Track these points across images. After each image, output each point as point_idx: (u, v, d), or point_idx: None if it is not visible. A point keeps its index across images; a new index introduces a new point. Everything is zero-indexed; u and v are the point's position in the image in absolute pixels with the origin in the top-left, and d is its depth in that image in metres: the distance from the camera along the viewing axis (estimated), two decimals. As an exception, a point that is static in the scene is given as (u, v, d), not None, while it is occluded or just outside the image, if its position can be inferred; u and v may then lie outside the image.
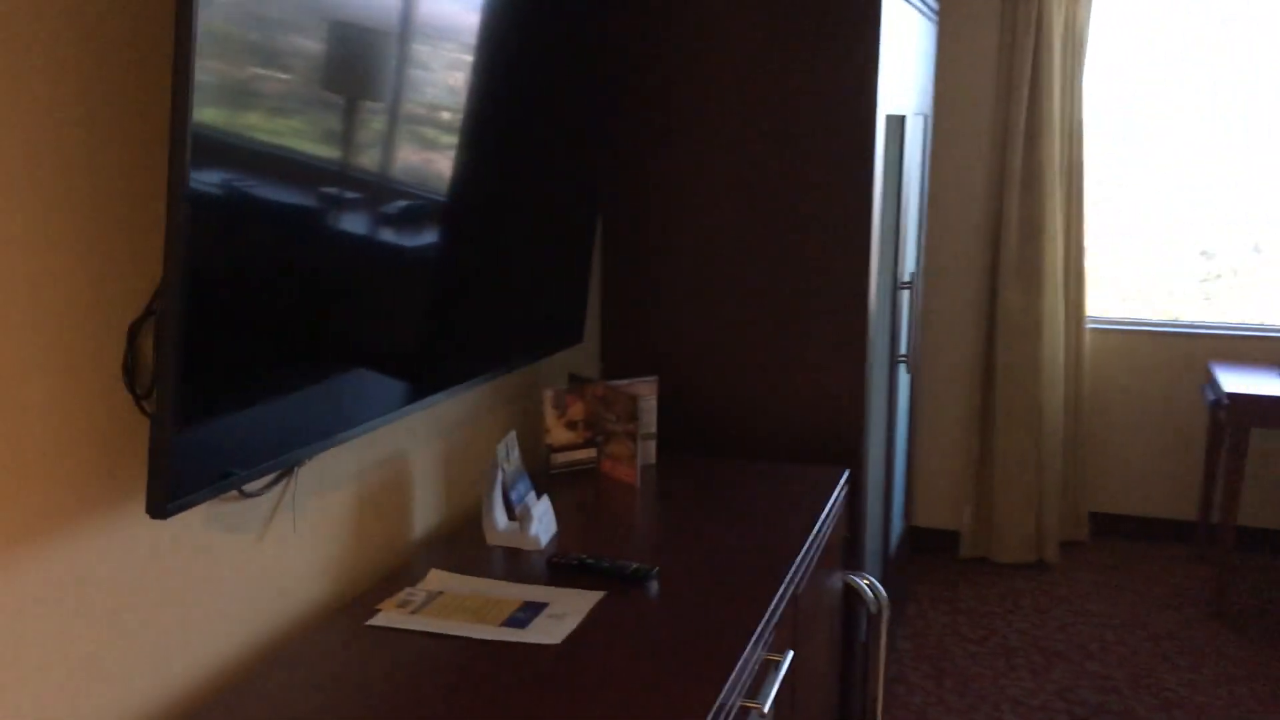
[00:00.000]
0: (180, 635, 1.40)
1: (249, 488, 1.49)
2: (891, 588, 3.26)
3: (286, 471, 1.59)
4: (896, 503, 3.37)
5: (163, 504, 1.22)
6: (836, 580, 2.34)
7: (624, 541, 1.92)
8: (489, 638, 1.55)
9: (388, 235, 1.59)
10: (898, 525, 3.49)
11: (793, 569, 1.81)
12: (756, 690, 1.58)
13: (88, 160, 1.22)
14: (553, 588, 1.72)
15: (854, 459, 2.48)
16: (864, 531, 2.54)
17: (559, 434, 2.26)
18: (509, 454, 1.93)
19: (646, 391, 2.35)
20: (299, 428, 1.44)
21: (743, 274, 2.52)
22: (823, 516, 2.06)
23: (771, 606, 1.66)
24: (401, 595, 1.69)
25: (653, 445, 2.37)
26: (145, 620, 1.35)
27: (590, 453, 2.30)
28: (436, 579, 1.75)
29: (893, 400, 3.10)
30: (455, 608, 1.64)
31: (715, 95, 2.49)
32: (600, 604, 1.66)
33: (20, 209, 1.15)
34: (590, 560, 1.78)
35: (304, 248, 1.40)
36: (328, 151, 1.40)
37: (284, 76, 1.29)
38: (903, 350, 3.09)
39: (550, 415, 2.25)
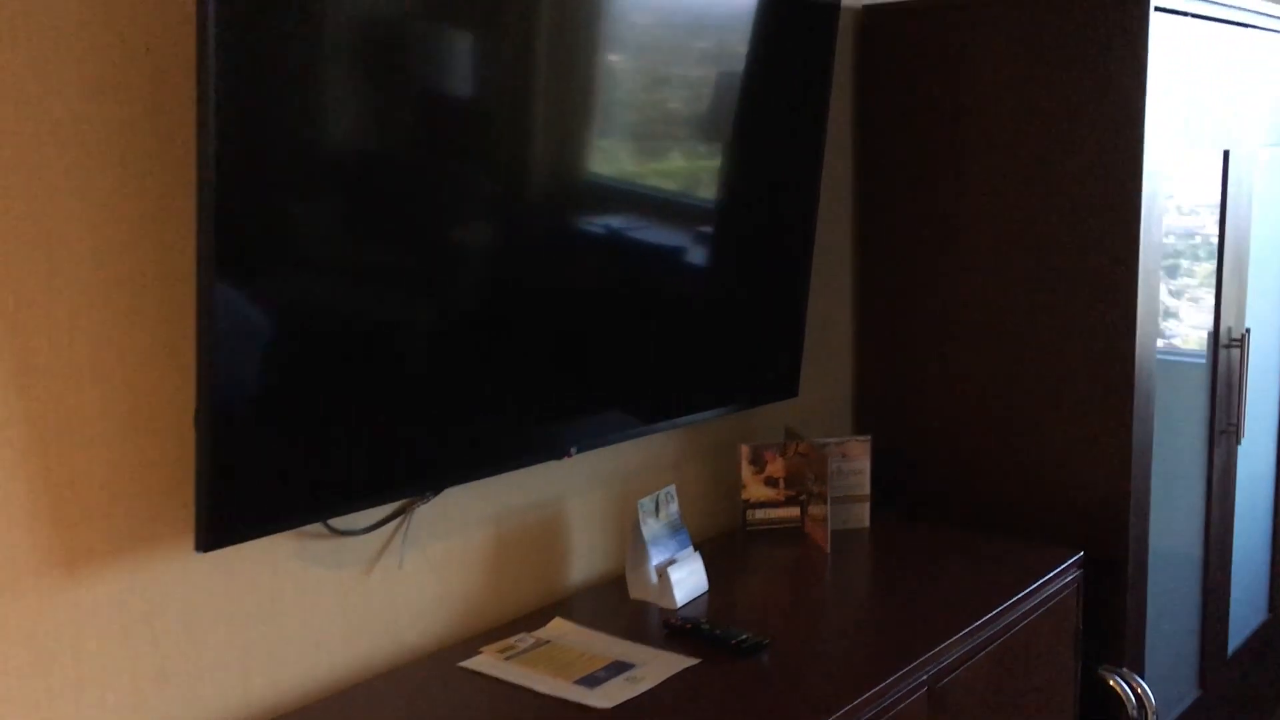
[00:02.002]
0: (260, 661, 1.54)
1: (341, 525, 1.61)
2: (1229, 690, 2.82)
3: (403, 509, 1.69)
4: (1243, 593, 2.92)
5: (205, 540, 1.36)
6: (1066, 675, 2.08)
7: (772, 608, 1.84)
8: (551, 692, 1.55)
9: (548, 266, 1.65)
10: (1251, 619, 3.02)
11: (923, 658, 1.64)
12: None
13: (158, 227, 1.39)
14: (652, 649, 1.68)
15: (1114, 542, 2.20)
16: (1125, 624, 2.24)
17: (756, 491, 2.21)
18: (659, 508, 1.91)
19: (857, 452, 2.23)
20: (377, 475, 1.54)
21: (995, 330, 2.33)
22: (1009, 602, 1.85)
23: (869, 694, 1.52)
24: (510, 640, 1.73)
25: (864, 508, 2.24)
26: (209, 644, 1.50)
27: (792, 512, 2.22)
28: (555, 627, 1.78)
29: (1227, 475, 2.70)
30: (547, 659, 1.66)
31: (973, 138, 2.32)
32: (685, 672, 1.61)
33: (91, 262, 1.33)
34: (705, 625, 1.73)
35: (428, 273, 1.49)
36: (509, 177, 1.49)
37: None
38: (1232, 419, 2.68)
39: (746, 471, 2.20)
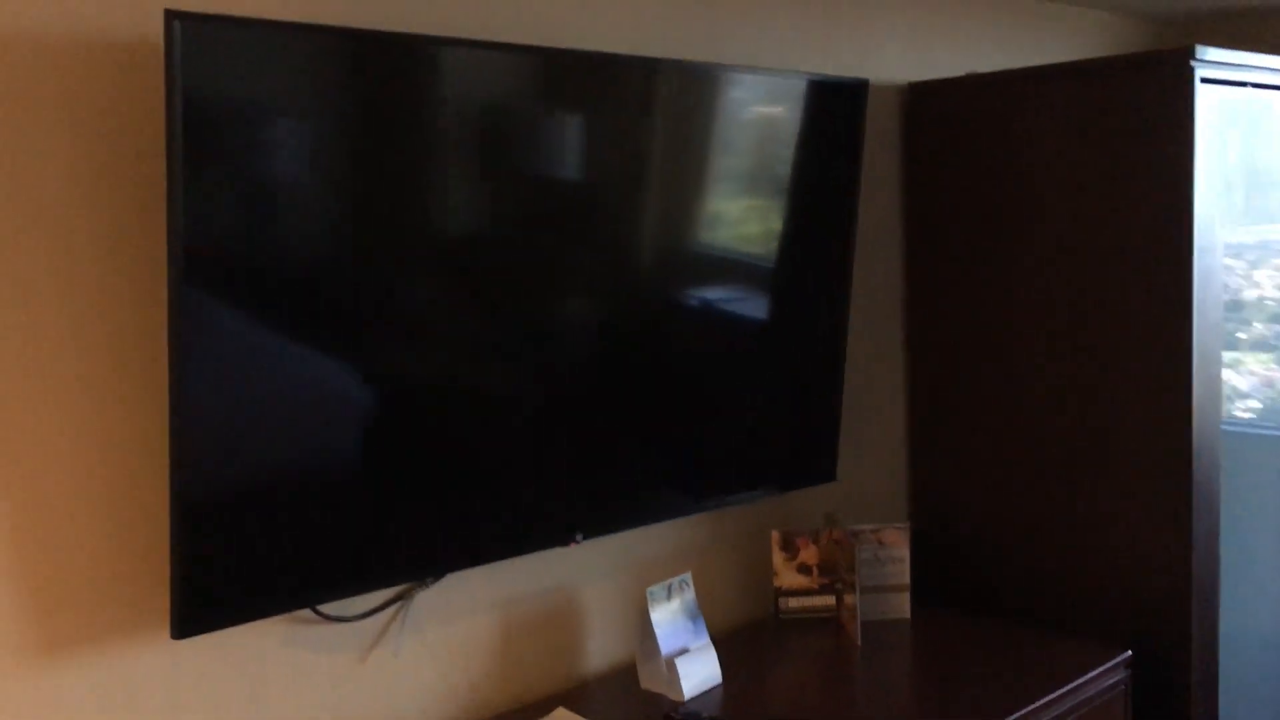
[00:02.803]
0: (256, 740, 1.57)
1: (332, 611, 1.63)
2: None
3: (401, 595, 1.71)
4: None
5: (179, 627, 1.39)
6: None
7: (784, 702, 1.78)
8: (531, 789, 1.53)
9: (569, 351, 1.66)
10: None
11: (925, 765, 1.57)
12: None
13: (140, 321, 1.44)
14: (644, 745, 1.65)
15: (1176, 637, 2.08)
16: (1188, 725, 2.10)
17: (789, 578, 2.15)
18: (670, 596, 1.88)
19: (895, 540, 2.16)
20: (348, 565, 1.56)
21: (1049, 414, 2.24)
22: (1037, 704, 1.75)
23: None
24: (508, 731, 1.72)
25: (903, 598, 2.16)
26: (212, 723, 1.53)
27: (828, 600, 2.15)
28: (556, 717, 1.76)
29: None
30: (538, 751, 1.64)
31: (1020, 213, 2.26)
32: (670, 771, 1.57)
33: (75, 359, 1.40)
34: (702, 718, 1.69)
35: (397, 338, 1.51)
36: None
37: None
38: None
39: (778, 557, 2.15)
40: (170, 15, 1.26)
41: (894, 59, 2.41)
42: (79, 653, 1.42)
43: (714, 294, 1.96)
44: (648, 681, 1.87)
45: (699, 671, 1.86)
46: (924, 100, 2.39)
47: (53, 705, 1.40)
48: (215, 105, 1.33)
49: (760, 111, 1.96)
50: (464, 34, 1.69)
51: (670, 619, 1.87)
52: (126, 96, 1.41)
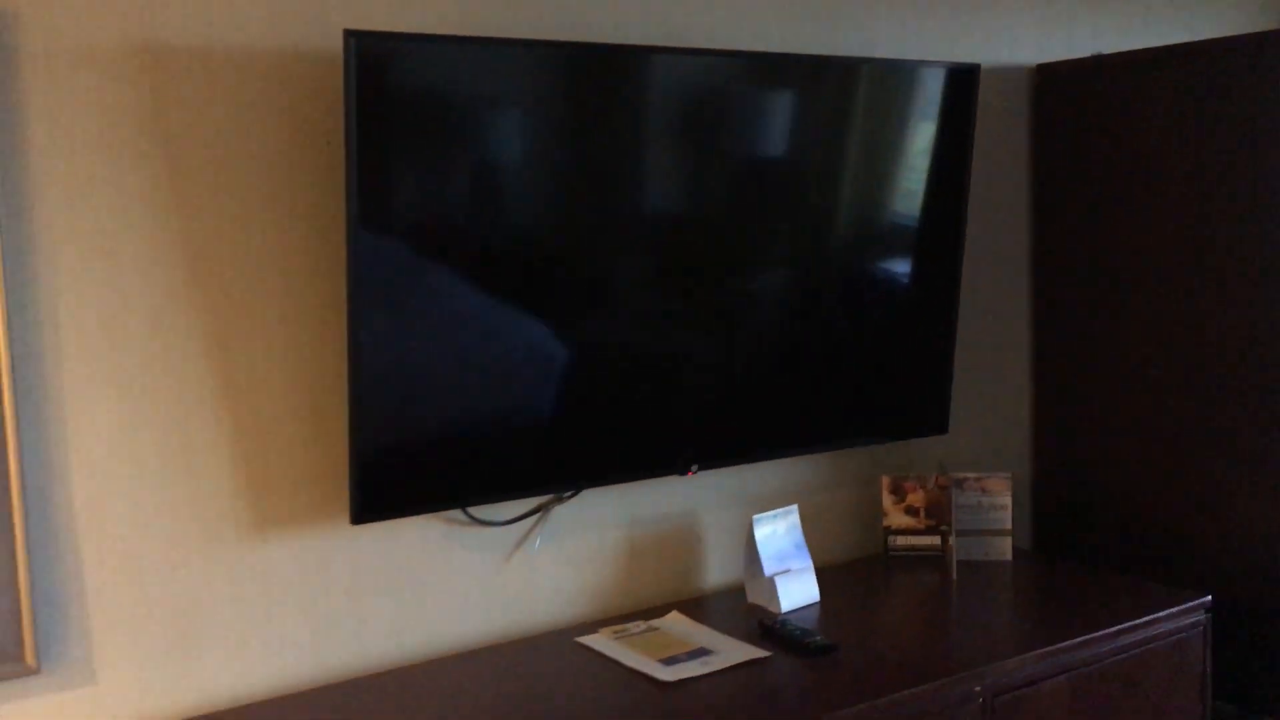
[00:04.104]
0: (411, 622, 1.94)
1: (483, 516, 1.98)
2: None
3: (541, 507, 2.05)
4: None
5: (355, 515, 1.77)
6: (1194, 717, 2.10)
7: (869, 620, 2.03)
8: (634, 666, 1.84)
9: (712, 301, 1.97)
10: None
11: (975, 670, 1.79)
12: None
13: (335, 277, 1.83)
14: (737, 642, 1.93)
15: (1272, 592, 2.21)
16: (1282, 676, 2.22)
17: (897, 519, 2.38)
18: (774, 526, 2.15)
19: (998, 488, 2.35)
20: (511, 477, 1.90)
21: (1162, 379, 2.39)
22: (1096, 634, 1.94)
23: (901, 695, 1.71)
24: (626, 625, 2.04)
25: (1005, 542, 2.35)
26: (370, 601, 1.91)
27: (934, 540, 2.37)
28: (669, 618, 2.06)
29: None
30: (647, 642, 1.95)
31: (1142, 190, 2.41)
32: (752, 661, 1.85)
33: (280, 308, 1.79)
34: (790, 626, 1.96)
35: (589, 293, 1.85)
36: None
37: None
38: None
39: (887, 500, 2.38)
40: (348, 34, 1.63)
41: (1025, 41, 2.58)
42: (282, 532, 1.82)
43: (845, 258, 2.21)
44: (753, 596, 2.15)
45: (798, 590, 2.12)
46: (1051, 80, 2.55)
47: (263, 572, 1.81)
48: (383, 102, 1.68)
49: (888, 96, 2.20)
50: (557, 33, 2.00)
51: (774, 542, 2.15)
52: (323, 92, 1.79)
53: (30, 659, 1.61)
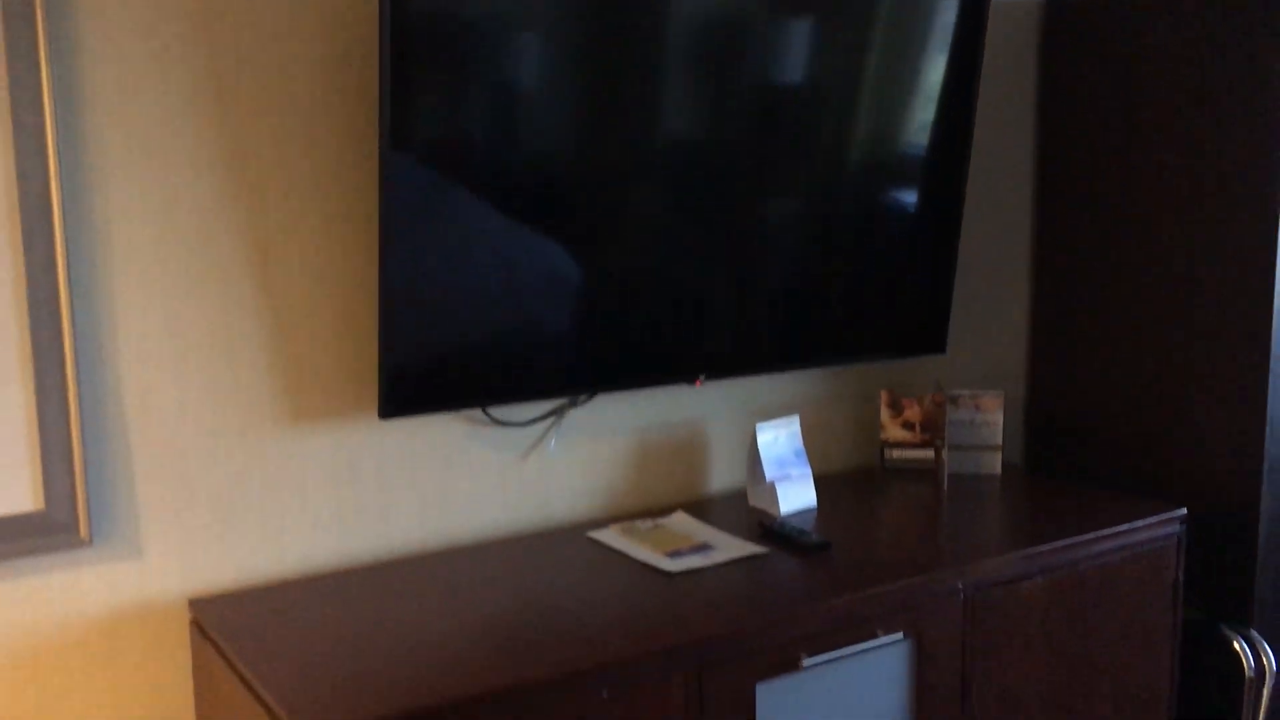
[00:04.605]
0: (433, 512, 2.07)
1: (502, 416, 2.11)
2: None
3: (556, 410, 2.17)
4: None
5: (383, 409, 1.89)
6: (1163, 624, 2.24)
7: (862, 524, 2.16)
8: (641, 559, 1.98)
9: (721, 214, 2.08)
10: None
11: (957, 568, 1.92)
12: (809, 652, 1.80)
13: (368, 187, 1.93)
14: (738, 539, 2.06)
15: (1248, 508, 2.33)
16: (1253, 588, 2.34)
17: (893, 432, 2.50)
18: (777, 431, 2.27)
19: (991, 406, 2.47)
20: (526, 378, 2.02)
21: (1155, 307, 2.49)
22: (1072, 540, 2.06)
23: (888, 588, 1.84)
24: (634, 522, 2.17)
25: (995, 457, 2.48)
26: (394, 492, 2.04)
27: (928, 454, 2.49)
28: (674, 517, 2.20)
29: None
30: (654, 537, 2.08)
31: (1145, 123, 2.49)
32: (751, 556, 1.98)
33: (317, 215, 1.90)
34: (788, 527, 2.09)
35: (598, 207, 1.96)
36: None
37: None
38: None
39: (885, 414, 2.50)
40: (385, -45, 1.72)
41: (1034, -24, 2.66)
42: (315, 425, 1.95)
43: (853, 183, 2.31)
44: (754, 500, 2.28)
45: (796, 495, 2.25)
46: (1060, 12, 2.62)
47: (297, 462, 1.94)
48: (414, 24, 1.77)
49: (900, 25, 2.28)
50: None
51: (775, 449, 2.27)
52: (360, 13, 1.88)
53: (84, 532, 1.74)
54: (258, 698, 1.55)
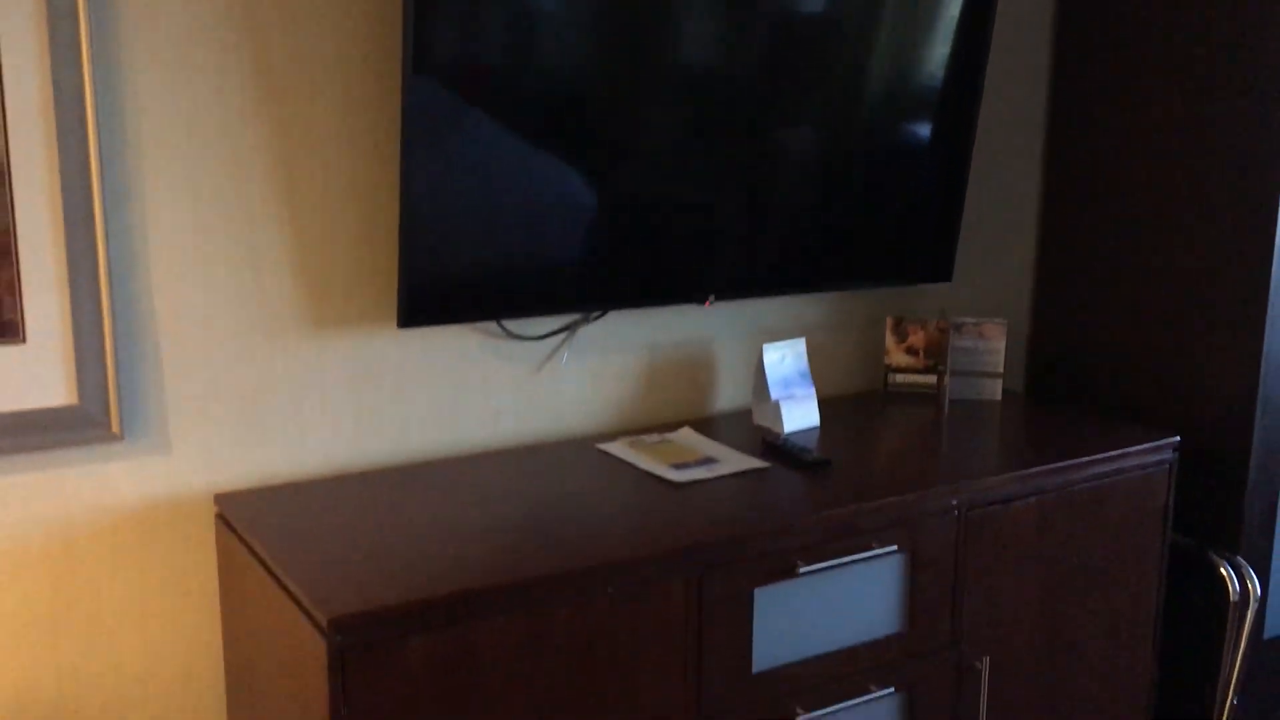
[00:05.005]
0: (449, 421, 2.15)
1: (516, 330, 2.17)
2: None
3: (569, 326, 2.24)
4: None
5: (402, 318, 1.96)
6: (1151, 548, 2.31)
7: (862, 444, 2.23)
8: (647, 469, 2.05)
9: (734, 138, 2.13)
10: None
11: (952, 486, 1.99)
12: (803, 560, 1.88)
13: (389, 117, 1.98)
14: (741, 454, 2.13)
15: (1242, 438, 2.40)
16: (1242, 515, 2.42)
17: (897, 357, 2.56)
18: (783, 352, 2.33)
19: (993, 333, 2.53)
20: (539, 293, 2.08)
21: (1159, 237, 2.54)
22: (1065, 463, 2.13)
23: (883, 502, 1.91)
24: (642, 436, 2.24)
25: (996, 384, 2.54)
26: (412, 399, 2.12)
27: (930, 379, 2.56)
28: (681, 432, 2.27)
29: None
30: (661, 450, 2.16)
31: (1153, 63, 2.52)
32: (753, 470, 2.05)
33: (339, 137, 1.96)
34: (790, 444, 2.16)
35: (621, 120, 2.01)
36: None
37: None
38: None
39: (890, 339, 2.56)
40: None
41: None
42: (336, 332, 2.02)
43: (866, 112, 2.34)
44: (758, 418, 2.35)
45: (800, 415, 2.32)
46: (1078, -53, 2.64)
47: (318, 367, 2.02)
48: (441, -61, 1.81)
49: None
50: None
51: (781, 369, 2.33)
52: (382, -70, 1.92)
53: (115, 427, 1.83)
54: (281, 586, 1.63)
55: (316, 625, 1.51)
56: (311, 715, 1.56)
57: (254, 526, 1.79)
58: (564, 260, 2.10)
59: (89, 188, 1.76)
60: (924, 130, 2.45)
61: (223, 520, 1.89)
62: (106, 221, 1.79)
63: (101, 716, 1.91)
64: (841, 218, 2.40)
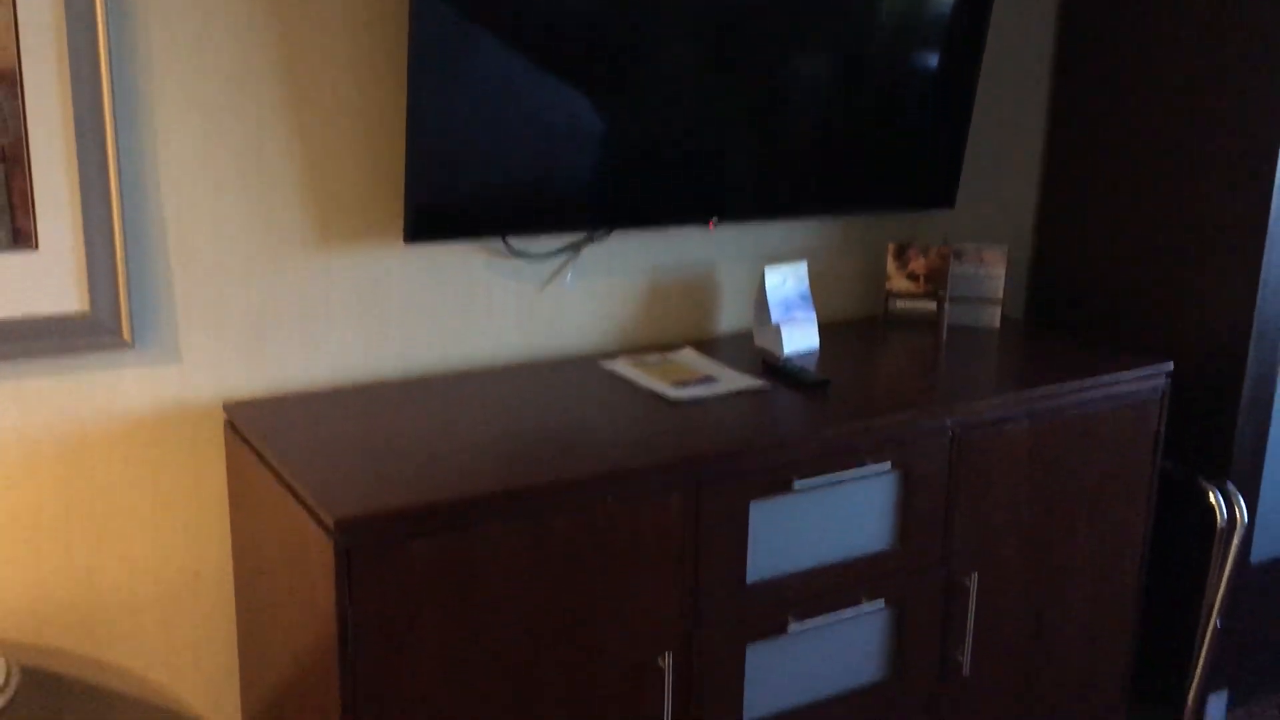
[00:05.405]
0: (455, 336, 2.18)
1: (521, 248, 2.20)
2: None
3: (574, 245, 2.26)
4: None
5: (409, 233, 1.99)
6: (1142, 472, 2.35)
7: (861, 367, 2.26)
8: (647, 387, 2.09)
9: (736, 55, 2.14)
10: None
11: (946, 407, 2.03)
12: (800, 475, 1.92)
13: (397, 36, 1.99)
14: (740, 374, 2.17)
15: (1236, 365, 2.43)
16: (1234, 441, 2.46)
17: (898, 283, 2.59)
18: (784, 275, 2.36)
19: (994, 260, 2.55)
20: (544, 211, 2.11)
21: (1170, 170, 2.55)
22: (1058, 387, 2.16)
23: (877, 422, 1.95)
24: (643, 355, 2.28)
25: (995, 310, 2.57)
26: (417, 315, 2.15)
27: (930, 305, 2.58)
28: (682, 352, 2.30)
29: None
30: (662, 369, 2.19)
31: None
32: (751, 389, 2.09)
33: (346, 62, 1.97)
34: (790, 365, 2.19)
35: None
36: None
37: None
38: None
39: (891, 264, 2.58)
40: None
41: None
42: (343, 247, 2.05)
43: (875, 40, 2.34)
44: (759, 340, 2.38)
45: (800, 337, 2.35)
46: None
47: (325, 282, 2.05)
48: None
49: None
50: None
51: (782, 292, 2.36)
52: None
53: (126, 335, 1.86)
54: (289, 490, 1.68)
55: (323, 526, 1.56)
56: (318, 613, 1.62)
57: (263, 434, 1.83)
58: (569, 179, 2.12)
59: (99, 97, 1.77)
60: (931, 55, 2.45)
61: (232, 428, 1.93)
62: (117, 132, 1.81)
63: (114, 615, 1.97)
64: (846, 142, 2.41)
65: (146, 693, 2.03)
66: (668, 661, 1.83)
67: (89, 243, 1.81)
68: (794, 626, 1.94)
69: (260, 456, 1.80)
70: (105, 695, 2.00)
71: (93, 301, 1.83)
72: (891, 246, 2.57)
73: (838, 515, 1.98)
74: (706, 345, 2.39)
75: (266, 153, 1.95)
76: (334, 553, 1.53)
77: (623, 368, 2.21)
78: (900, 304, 2.61)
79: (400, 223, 2.09)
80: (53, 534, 1.90)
